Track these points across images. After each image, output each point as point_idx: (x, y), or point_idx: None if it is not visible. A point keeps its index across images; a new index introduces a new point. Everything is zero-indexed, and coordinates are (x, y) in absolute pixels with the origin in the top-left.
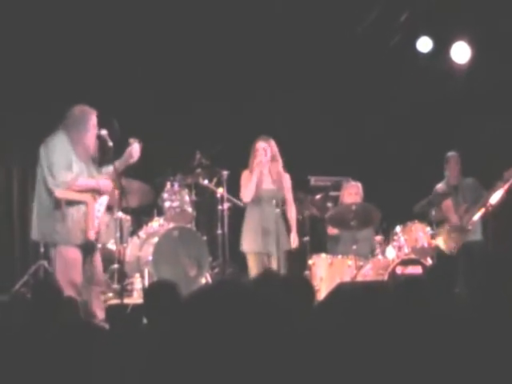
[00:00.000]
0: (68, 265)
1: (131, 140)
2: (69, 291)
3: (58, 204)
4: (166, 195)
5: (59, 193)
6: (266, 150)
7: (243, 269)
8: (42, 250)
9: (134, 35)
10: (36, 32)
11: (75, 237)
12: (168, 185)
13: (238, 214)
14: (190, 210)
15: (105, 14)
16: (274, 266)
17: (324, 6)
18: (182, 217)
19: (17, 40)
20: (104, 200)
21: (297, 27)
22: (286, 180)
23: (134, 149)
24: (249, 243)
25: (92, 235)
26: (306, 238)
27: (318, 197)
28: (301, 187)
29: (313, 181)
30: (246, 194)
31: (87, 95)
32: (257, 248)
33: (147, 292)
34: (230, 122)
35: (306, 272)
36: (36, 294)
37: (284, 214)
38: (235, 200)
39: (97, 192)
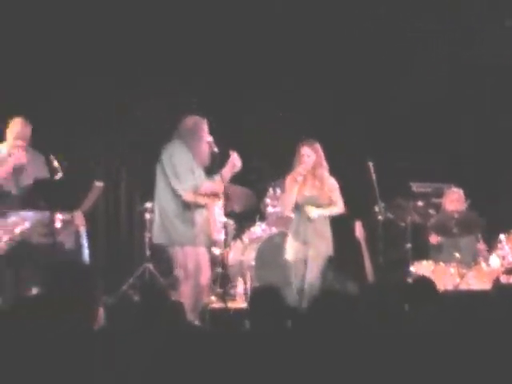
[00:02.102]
0: (197, 266)
1: (231, 152)
2: (195, 292)
3: (186, 207)
4: (268, 200)
5: (187, 196)
6: (309, 156)
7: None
8: (147, 252)
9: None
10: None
11: (201, 239)
12: (270, 190)
13: (340, 221)
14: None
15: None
16: (310, 273)
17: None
18: (283, 222)
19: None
20: (221, 204)
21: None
22: (332, 183)
23: (236, 158)
24: (288, 251)
25: (216, 237)
26: (408, 245)
27: (419, 203)
28: (402, 193)
29: (414, 187)
30: (285, 204)
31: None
32: (294, 256)
33: (252, 296)
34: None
35: (408, 279)
36: (144, 296)
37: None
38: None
39: (216, 195)
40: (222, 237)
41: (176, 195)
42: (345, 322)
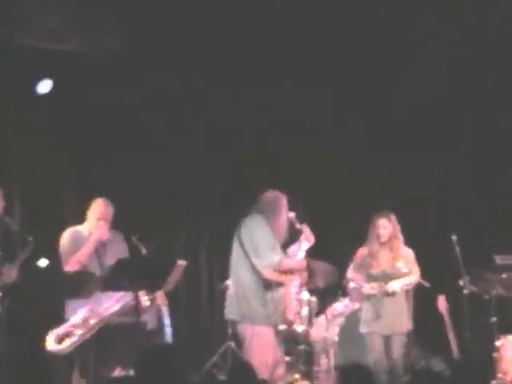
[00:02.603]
0: (264, 345)
1: (303, 226)
2: (264, 373)
3: (264, 285)
4: (350, 275)
5: (267, 273)
6: (386, 228)
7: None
8: (229, 330)
9: None
10: None
11: (274, 319)
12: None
13: (424, 294)
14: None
15: None
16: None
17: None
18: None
19: None
20: (297, 281)
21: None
22: (407, 254)
23: (308, 233)
24: (368, 324)
25: (292, 316)
26: (494, 319)
27: (504, 276)
28: (486, 266)
29: (498, 260)
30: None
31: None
32: (377, 329)
33: (342, 374)
34: None
35: (495, 354)
36: (233, 375)
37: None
38: (422, 281)
39: (293, 273)
40: (304, 313)
41: (255, 272)
42: None
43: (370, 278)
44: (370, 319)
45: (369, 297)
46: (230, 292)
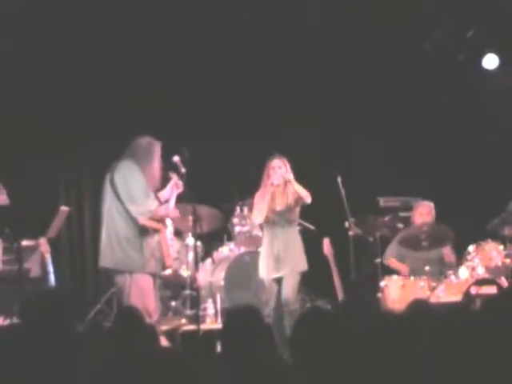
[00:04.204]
0: (143, 292)
1: (171, 174)
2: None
3: (140, 232)
4: (235, 220)
5: (144, 221)
6: (281, 168)
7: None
8: None
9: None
10: None
11: (151, 265)
12: (237, 210)
13: (308, 237)
14: (259, 234)
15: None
16: (286, 289)
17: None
18: (252, 241)
19: None
20: (170, 227)
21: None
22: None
23: (177, 181)
24: (261, 269)
25: (170, 262)
26: (378, 260)
27: (387, 218)
28: (370, 209)
29: (382, 202)
30: (256, 215)
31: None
32: (268, 273)
33: (228, 317)
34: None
35: (379, 294)
36: (118, 321)
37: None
38: (306, 224)
39: (166, 220)
40: (190, 258)
41: (130, 218)
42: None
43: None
44: (266, 262)
45: (263, 240)
46: (105, 239)
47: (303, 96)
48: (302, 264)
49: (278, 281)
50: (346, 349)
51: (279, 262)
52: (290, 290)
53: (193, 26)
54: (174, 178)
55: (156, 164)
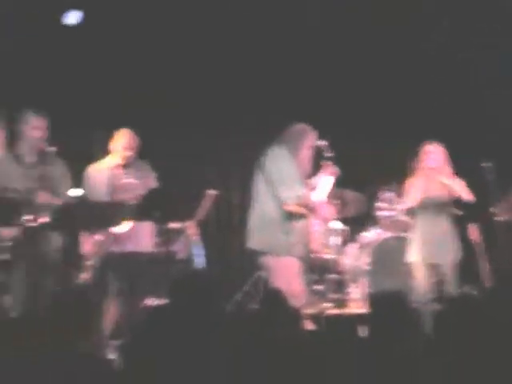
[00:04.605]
0: (289, 275)
1: (325, 163)
2: (292, 301)
3: (287, 216)
4: (380, 204)
5: (290, 206)
6: (435, 153)
7: None
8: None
9: None
10: None
11: (297, 249)
12: (382, 194)
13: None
14: (404, 218)
15: None
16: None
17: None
18: (397, 226)
19: None
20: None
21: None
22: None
23: (332, 168)
24: (413, 254)
25: (317, 247)
26: None
27: None
28: None
29: None
30: (410, 199)
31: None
32: (422, 259)
33: (375, 302)
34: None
35: None
36: (265, 304)
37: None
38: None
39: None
40: (335, 242)
41: (278, 203)
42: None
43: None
44: (420, 247)
45: (417, 225)
46: (254, 222)
47: None
48: (460, 252)
49: (432, 266)
50: (490, 336)
51: (436, 247)
52: (452, 278)
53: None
54: (330, 165)
55: (307, 151)
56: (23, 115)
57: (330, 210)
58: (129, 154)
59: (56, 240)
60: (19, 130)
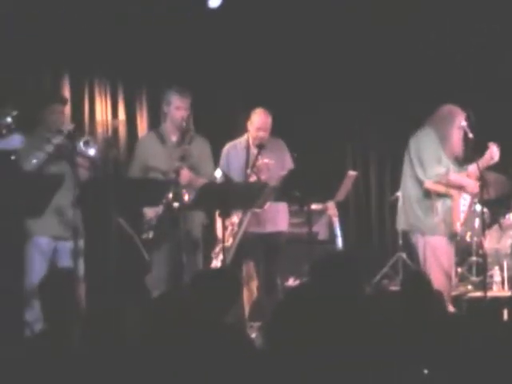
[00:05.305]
0: (437, 253)
1: (490, 144)
2: (440, 281)
3: (427, 195)
4: None
5: (429, 184)
6: None
7: None
8: (400, 241)
9: None
10: None
11: (440, 228)
12: None
13: None
14: None
15: None
16: None
17: None
18: None
19: None
20: (468, 196)
21: None
22: None
23: (494, 151)
24: None
25: (458, 228)
26: None
27: None
28: None
29: None
30: None
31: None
32: None
33: None
34: None
35: None
36: (407, 285)
37: None
38: None
39: (462, 188)
40: (476, 225)
41: (418, 182)
42: None
43: None
44: None
45: None
46: (400, 203)
47: None
48: None
49: None
50: None
51: None
52: None
53: None
54: (493, 147)
55: (456, 131)
56: (166, 95)
57: (476, 186)
58: (263, 134)
59: (199, 219)
60: (163, 109)
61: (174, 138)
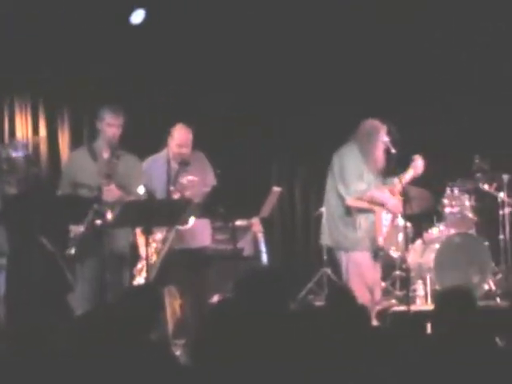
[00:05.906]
0: (361, 269)
1: (416, 156)
2: (363, 297)
3: (349, 211)
4: (446, 201)
5: (350, 201)
6: None
7: None
8: (324, 256)
9: None
10: None
11: (364, 243)
12: (448, 190)
13: None
14: (470, 215)
15: None
16: None
17: None
18: (462, 223)
19: None
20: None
21: None
22: None
23: (419, 163)
24: None
25: (381, 241)
26: None
27: None
28: None
29: None
30: None
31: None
32: None
33: (440, 298)
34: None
35: None
36: (331, 300)
37: None
38: None
39: (382, 205)
40: (399, 239)
41: (341, 198)
42: None
43: None
44: None
45: None
46: (324, 219)
47: None
48: None
49: None
50: None
51: None
52: None
53: None
54: (418, 159)
55: (379, 147)
56: (100, 111)
57: (398, 204)
58: (185, 150)
59: (126, 235)
60: (97, 126)
61: (105, 155)
